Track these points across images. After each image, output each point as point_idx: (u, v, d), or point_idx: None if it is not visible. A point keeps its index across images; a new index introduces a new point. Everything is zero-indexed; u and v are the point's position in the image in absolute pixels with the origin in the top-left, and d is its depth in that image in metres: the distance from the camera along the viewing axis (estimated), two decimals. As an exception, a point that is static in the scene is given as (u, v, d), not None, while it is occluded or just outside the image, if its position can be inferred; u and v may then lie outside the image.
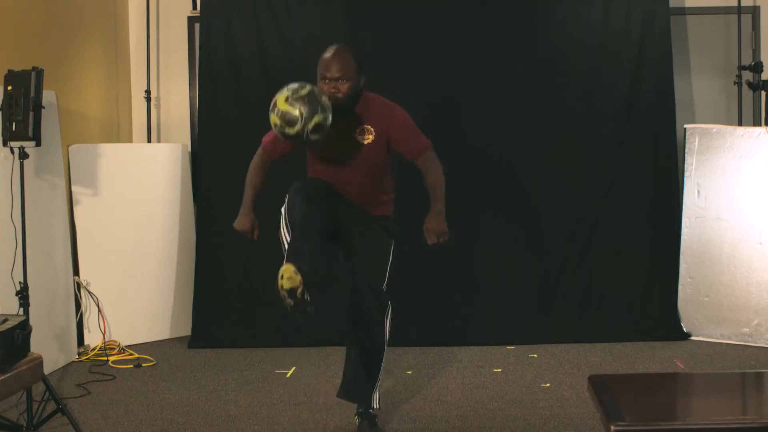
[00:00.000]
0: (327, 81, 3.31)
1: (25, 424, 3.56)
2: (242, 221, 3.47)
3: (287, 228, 3.36)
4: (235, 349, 5.01)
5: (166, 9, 5.87)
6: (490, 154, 5.32)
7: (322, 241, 3.35)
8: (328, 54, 3.35)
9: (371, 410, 3.54)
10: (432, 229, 3.32)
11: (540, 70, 5.32)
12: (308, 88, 3.21)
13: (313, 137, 3.20)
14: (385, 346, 3.49)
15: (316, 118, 3.16)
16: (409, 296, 4.89)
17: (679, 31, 5.66)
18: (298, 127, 3.15)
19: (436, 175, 3.47)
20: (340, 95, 3.30)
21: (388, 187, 3.64)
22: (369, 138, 3.39)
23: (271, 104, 3.23)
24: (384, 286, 3.48)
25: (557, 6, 5.37)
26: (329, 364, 4.63)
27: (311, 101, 3.16)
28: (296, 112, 3.14)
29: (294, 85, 3.22)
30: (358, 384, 3.52)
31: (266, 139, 3.59)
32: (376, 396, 3.54)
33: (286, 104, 3.16)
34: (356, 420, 3.56)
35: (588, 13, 5.34)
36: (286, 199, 3.44)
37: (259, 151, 3.62)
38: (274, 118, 3.20)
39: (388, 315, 3.46)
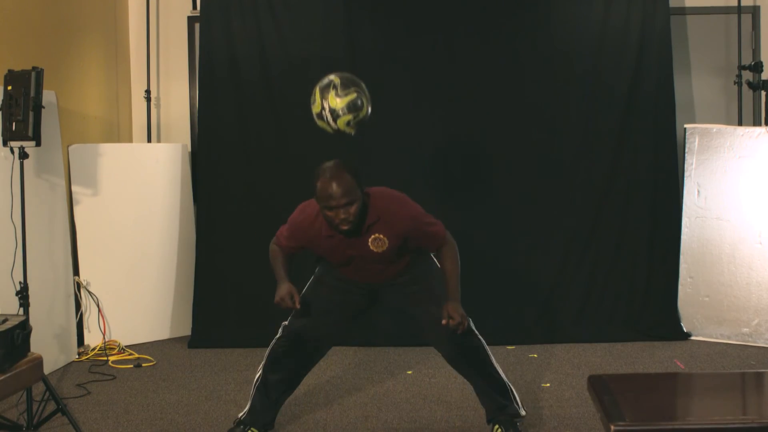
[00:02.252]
0: (334, 209, 3.14)
1: (25, 424, 3.56)
2: (279, 290, 3.33)
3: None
4: (235, 349, 5.02)
5: (166, 9, 5.87)
6: (489, 153, 5.32)
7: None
8: (324, 182, 3.13)
9: (518, 419, 3.48)
10: (453, 312, 3.25)
11: (540, 70, 5.32)
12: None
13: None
14: (490, 358, 3.45)
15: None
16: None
17: (679, 31, 5.66)
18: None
19: (452, 264, 3.37)
20: (351, 219, 3.16)
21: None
22: (383, 247, 3.30)
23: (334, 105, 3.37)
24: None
25: (557, 6, 5.37)
26: (329, 363, 4.63)
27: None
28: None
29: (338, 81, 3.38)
30: (495, 405, 3.49)
31: (283, 243, 3.44)
32: (517, 404, 3.49)
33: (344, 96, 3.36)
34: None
35: (588, 14, 5.34)
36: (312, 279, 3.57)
37: (274, 242, 3.48)
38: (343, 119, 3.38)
39: (479, 339, 3.45)
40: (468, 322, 3.39)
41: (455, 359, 3.46)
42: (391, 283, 3.46)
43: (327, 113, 3.38)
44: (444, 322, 3.23)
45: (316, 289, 3.51)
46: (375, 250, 3.29)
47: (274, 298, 3.30)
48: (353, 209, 3.14)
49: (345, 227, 3.16)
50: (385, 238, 3.27)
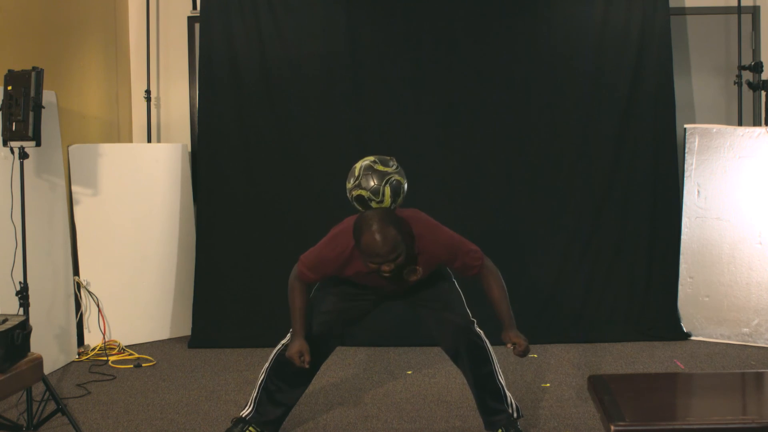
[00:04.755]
0: (382, 263, 3.06)
1: (25, 424, 3.55)
2: (291, 347, 3.28)
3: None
4: (235, 349, 5.01)
5: (166, 9, 5.87)
6: (489, 154, 5.32)
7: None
8: (369, 238, 3.02)
9: (513, 419, 3.46)
10: (516, 338, 3.23)
11: (540, 69, 5.32)
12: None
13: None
14: (491, 360, 3.43)
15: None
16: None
17: (679, 31, 5.66)
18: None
19: (499, 291, 3.34)
20: (395, 269, 3.09)
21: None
22: (417, 276, 3.27)
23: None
24: (471, 318, 3.42)
25: (557, 6, 5.37)
26: (329, 364, 4.63)
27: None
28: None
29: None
30: (491, 411, 3.47)
31: (310, 276, 3.32)
32: (512, 408, 3.47)
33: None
34: None
35: (588, 13, 5.34)
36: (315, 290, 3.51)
37: (297, 275, 3.34)
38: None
39: (484, 340, 3.42)
40: (474, 323, 3.41)
41: (458, 357, 3.45)
42: (406, 290, 3.44)
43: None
44: (509, 346, 3.21)
45: (325, 299, 3.47)
46: (409, 279, 3.28)
47: (286, 353, 3.28)
48: (399, 260, 3.07)
49: (388, 275, 3.10)
50: (421, 269, 3.26)
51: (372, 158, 3.35)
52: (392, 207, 3.28)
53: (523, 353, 3.20)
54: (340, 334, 3.53)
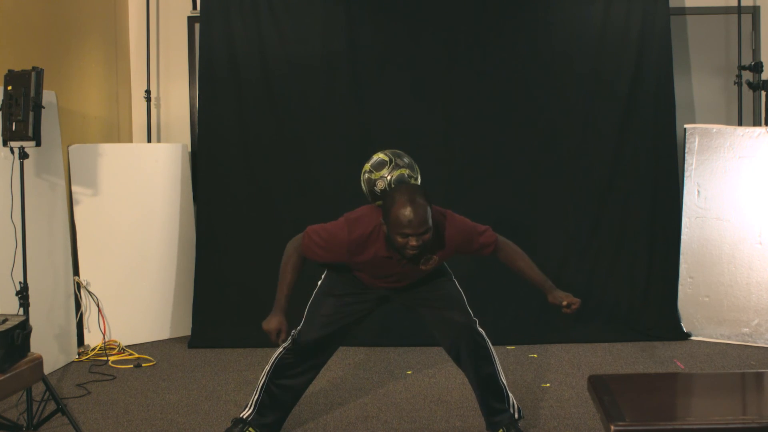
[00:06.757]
0: (408, 237, 3.02)
1: (25, 424, 3.56)
2: (270, 321, 3.18)
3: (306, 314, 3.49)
4: (235, 349, 5.02)
5: (166, 9, 5.88)
6: (489, 153, 5.33)
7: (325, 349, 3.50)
8: (401, 209, 2.99)
9: (514, 420, 3.47)
10: (565, 297, 3.28)
11: (540, 69, 5.32)
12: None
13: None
14: (493, 359, 3.44)
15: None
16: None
17: (679, 31, 5.66)
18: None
19: (524, 261, 3.39)
20: (422, 246, 3.06)
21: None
22: (432, 265, 3.27)
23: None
24: (473, 318, 3.42)
25: (557, 6, 5.37)
26: (329, 364, 4.61)
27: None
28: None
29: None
30: (492, 411, 3.48)
31: (317, 253, 3.23)
32: (513, 408, 3.48)
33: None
34: None
35: (588, 13, 5.34)
36: (318, 286, 3.50)
37: (299, 247, 3.24)
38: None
39: (486, 339, 3.43)
40: (476, 323, 3.41)
41: (460, 356, 3.44)
42: (407, 287, 3.44)
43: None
44: (565, 303, 3.25)
45: (325, 301, 3.46)
46: (424, 268, 3.27)
47: (263, 325, 3.19)
48: (427, 236, 3.05)
49: (414, 252, 3.07)
50: (436, 257, 3.26)
51: (383, 151, 3.34)
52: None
53: (577, 307, 3.25)
54: (341, 336, 3.52)
